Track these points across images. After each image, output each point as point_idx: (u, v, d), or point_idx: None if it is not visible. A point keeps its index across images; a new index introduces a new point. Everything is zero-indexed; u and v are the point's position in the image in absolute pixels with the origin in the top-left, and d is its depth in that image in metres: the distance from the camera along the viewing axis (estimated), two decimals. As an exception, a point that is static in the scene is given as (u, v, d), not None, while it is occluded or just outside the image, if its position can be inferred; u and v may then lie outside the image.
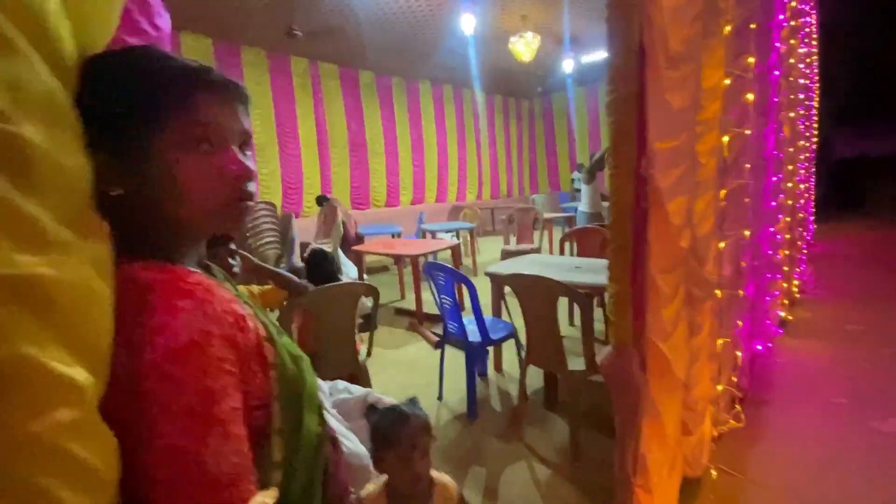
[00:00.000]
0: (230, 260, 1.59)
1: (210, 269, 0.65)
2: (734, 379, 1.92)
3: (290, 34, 5.52)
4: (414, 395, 0.96)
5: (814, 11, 4.19)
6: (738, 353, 1.96)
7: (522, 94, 10.75)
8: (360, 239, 5.52)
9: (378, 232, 6.10)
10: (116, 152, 0.48)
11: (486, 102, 9.93)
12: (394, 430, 0.84)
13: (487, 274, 2.70)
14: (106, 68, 0.49)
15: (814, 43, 4.29)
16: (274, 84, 6.44)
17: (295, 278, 1.83)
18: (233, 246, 1.64)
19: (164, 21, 0.74)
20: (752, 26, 1.54)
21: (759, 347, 2.25)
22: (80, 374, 0.36)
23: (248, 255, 1.74)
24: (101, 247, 0.45)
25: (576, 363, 2.00)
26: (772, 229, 2.47)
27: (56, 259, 0.37)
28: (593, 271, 2.49)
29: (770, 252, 2.52)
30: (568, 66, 7.34)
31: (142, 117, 0.49)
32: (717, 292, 1.59)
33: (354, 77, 7.51)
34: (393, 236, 5.94)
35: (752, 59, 1.49)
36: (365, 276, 5.32)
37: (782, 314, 3.13)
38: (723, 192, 1.51)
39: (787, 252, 3.20)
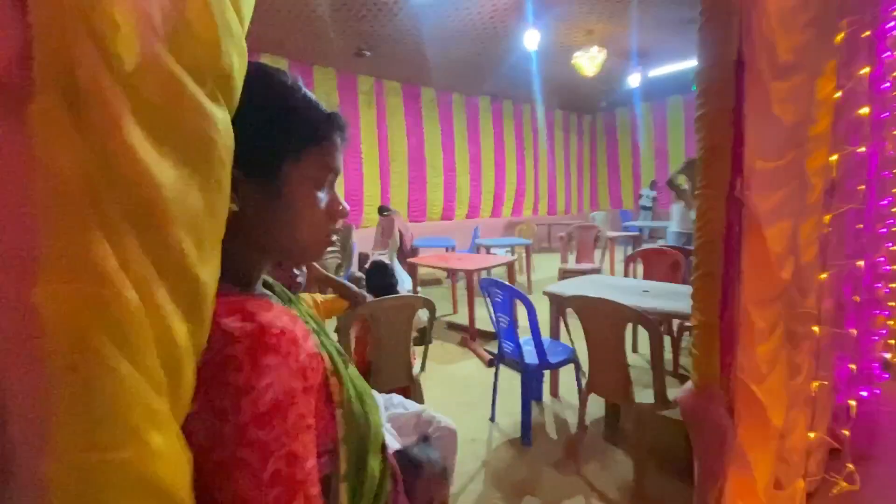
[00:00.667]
0: (296, 271, 1.65)
1: (273, 290, 0.65)
2: (833, 429, 1.68)
3: (359, 54, 5.78)
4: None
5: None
6: (838, 400, 1.72)
7: (585, 108, 10.50)
8: (415, 251, 5.59)
9: (433, 245, 6.15)
10: (250, 171, 0.50)
11: (545, 118, 9.81)
12: (405, 480, 0.73)
13: (546, 293, 2.61)
14: (263, 91, 0.51)
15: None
16: (342, 101, 6.77)
17: (355, 288, 1.86)
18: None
19: None
20: (866, 34, 1.38)
21: (864, 394, 1.97)
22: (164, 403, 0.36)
23: (315, 265, 1.79)
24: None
25: (642, 395, 1.85)
26: (879, 259, 2.18)
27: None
28: (663, 296, 2.33)
29: (876, 285, 2.21)
30: (634, 80, 7.08)
31: (288, 144, 0.52)
32: (815, 329, 1.40)
33: (416, 93, 7.71)
34: (447, 250, 5.96)
35: (866, 70, 1.32)
36: (418, 288, 5.37)
37: (889, 356, 2.74)
38: (827, 217, 1.34)
39: (894, 285, 2.81)
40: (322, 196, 0.55)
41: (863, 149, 1.37)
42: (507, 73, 7.01)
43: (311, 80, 6.44)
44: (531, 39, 5.03)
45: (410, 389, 2.10)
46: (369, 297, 1.93)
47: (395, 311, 1.97)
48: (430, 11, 4.78)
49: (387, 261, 5.38)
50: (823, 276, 1.34)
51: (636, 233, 6.62)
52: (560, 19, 5.19)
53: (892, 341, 2.98)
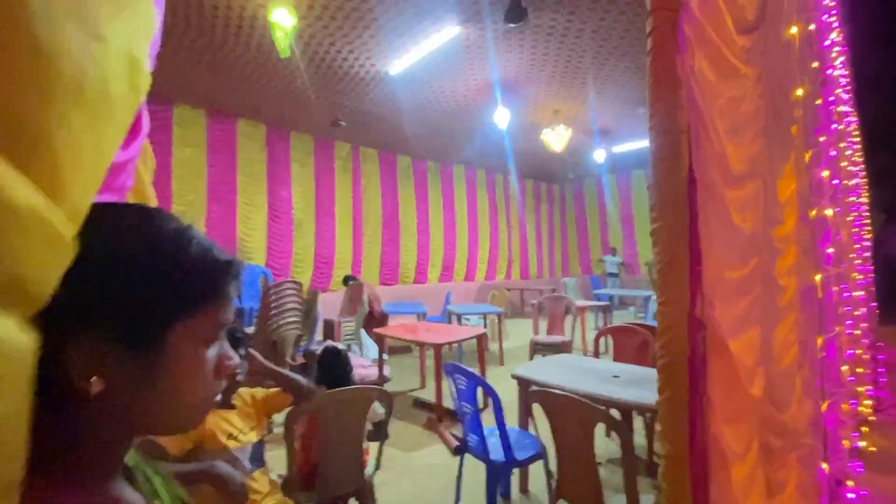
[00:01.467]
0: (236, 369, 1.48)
1: (134, 474, 0.50)
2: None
3: (336, 124, 5.93)
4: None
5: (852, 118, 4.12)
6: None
7: (554, 178, 10.99)
8: (384, 317, 5.40)
9: (403, 311, 5.98)
10: (126, 341, 0.39)
11: (518, 186, 10.18)
12: None
13: (515, 377, 2.48)
14: (148, 246, 0.40)
15: (856, 141, 4.17)
16: (317, 165, 6.84)
17: (302, 380, 1.69)
18: (243, 350, 1.55)
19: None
20: (821, 138, 1.44)
21: (852, 496, 1.86)
22: None
23: (257, 354, 1.63)
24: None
25: (615, 501, 1.69)
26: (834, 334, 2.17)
27: None
28: (635, 383, 2.24)
29: (840, 366, 2.19)
30: (599, 155, 7.49)
31: (179, 307, 0.42)
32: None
33: (392, 160, 7.91)
34: (418, 317, 5.80)
35: (826, 173, 1.36)
36: (385, 355, 5.12)
37: (861, 444, 2.67)
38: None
39: (858, 366, 2.81)
40: (211, 354, 0.46)
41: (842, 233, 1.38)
42: (479, 144, 7.32)
43: (287, 145, 6.52)
44: (501, 117, 5.30)
45: (362, 493, 1.87)
46: (319, 391, 1.76)
47: (347, 404, 1.80)
48: (405, 88, 5.00)
49: (352, 328, 5.20)
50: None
51: (606, 301, 6.65)
52: (527, 100, 5.52)
53: (863, 428, 2.93)
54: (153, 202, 0.84)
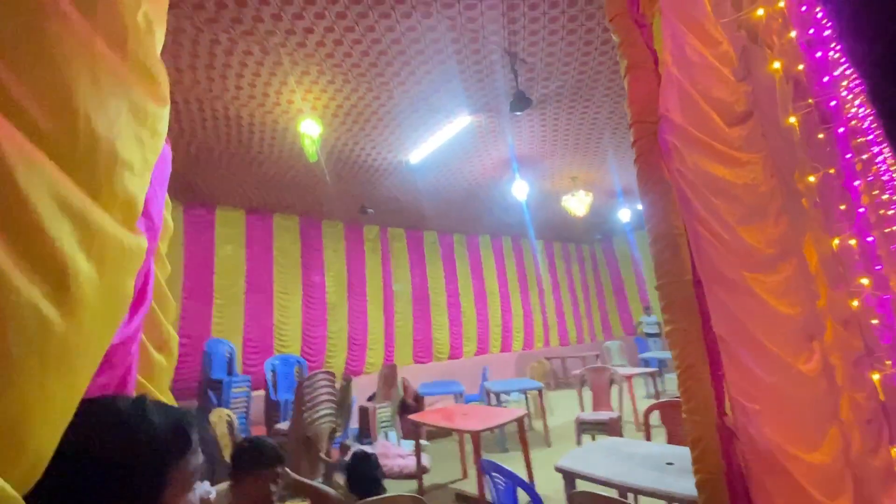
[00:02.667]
0: (272, 487, 1.46)
1: None
2: None
3: (363, 211, 6.26)
4: None
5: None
6: None
7: (582, 239, 10.93)
8: (419, 400, 5.25)
9: (439, 391, 5.79)
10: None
11: (545, 250, 10.16)
12: None
13: (559, 469, 2.30)
14: (100, 439, 0.48)
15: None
16: (348, 249, 7.13)
17: (332, 492, 1.63)
18: (279, 469, 1.53)
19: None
20: (842, 207, 1.39)
21: None
22: None
23: (289, 472, 1.60)
24: None
25: None
26: None
27: None
28: (689, 470, 2.02)
29: None
30: (624, 215, 7.46)
31: (155, 472, 0.50)
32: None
33: (419, 237, 8.15)
34: (455, 397, 5.59)
35: (853, 241, 1.29)
36: (424, 440, 4.88)
37: None
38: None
39: None
40: (193, 498, 0.54)
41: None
42: (502, 215, 7.47)
43: (319, 232, 6.88)
44: (520, 190, 5.44)
45: None
46: (350, 498, 1.68)
47: (377, 516, 1.70)
48: (425, 173, 5.29)
49: (388, 413, 5.05)
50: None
51: (655, 368, 6.23)
52: (544, 171, 5.69)
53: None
54: (170, 302, 0.88)
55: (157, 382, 0.75)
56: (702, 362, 0.82)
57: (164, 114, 0.51)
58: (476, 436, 3.44)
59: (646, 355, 7.58)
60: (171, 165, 0.71)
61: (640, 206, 5.28)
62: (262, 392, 5.21)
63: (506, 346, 8.85)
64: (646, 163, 0.88)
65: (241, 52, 2.97)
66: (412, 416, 4.20)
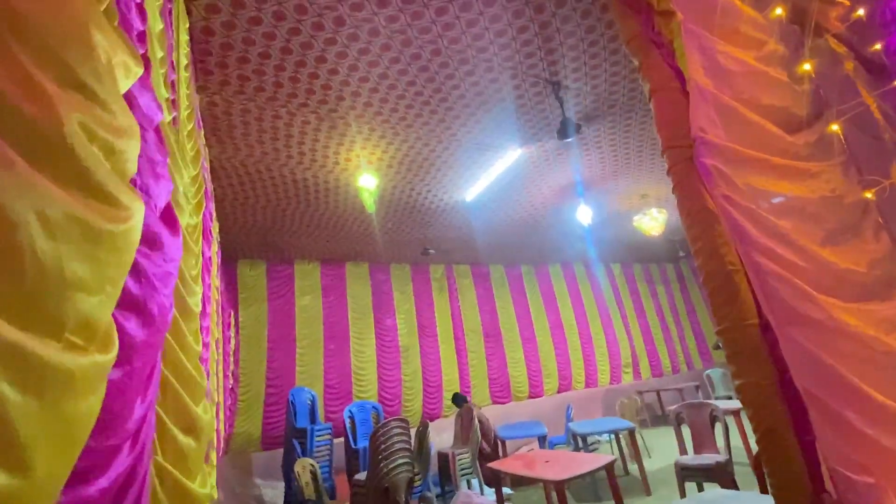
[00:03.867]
0: None
1: None
2: None
3: (425, 253, 6.39)
4: None
5: None
6: None
7: (664, 258, 10.10)
8: (495, 446, 5.00)
9: (521, 434, 5.49)
10: None
11: (623, 274, 9.51)
12: None
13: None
14: None
15: None
16: (416, 289, 7.25)
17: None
18: None
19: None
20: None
21: None
22: None
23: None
24: None
25: None
26: None
27: None
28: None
29: None
30: (708, 228, 6.79)
31: None
32: None
33: (485, 272, 8.06)
34: (539, 441, 5.26)
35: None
36: (507, 488, 4.59)
37: None
38: None
39: None
40: None
41: None
42: (571, 242, 7.18)
43: (388, 276, 7.10)
44: (584, 215, 5.21)
45: None
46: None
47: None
48: (482, 208, 5.29)
49: (467, 457, 4.85)
50: None
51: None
52: (609, 192, 5.42)
53: None
54: (198, 385, 0.89)
55: (185, 464, 0.76)
56: (784, 426, 0.65)
57: (127, 228, 0.53)
58: (560, 486, 3.17)
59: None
60: (182, 250, 0.74)
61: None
62: (342, 439, 5.32)
63: (590, 381, 8.25)
64: (684, 191, 0.77)
65: (299, 123, 3.26)
66: (491, 465, 4.00)
